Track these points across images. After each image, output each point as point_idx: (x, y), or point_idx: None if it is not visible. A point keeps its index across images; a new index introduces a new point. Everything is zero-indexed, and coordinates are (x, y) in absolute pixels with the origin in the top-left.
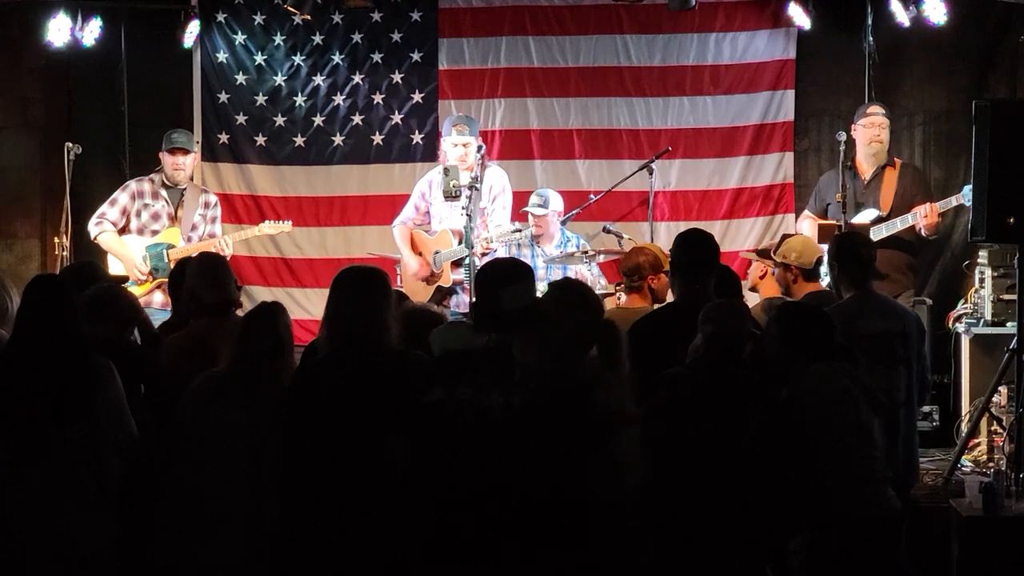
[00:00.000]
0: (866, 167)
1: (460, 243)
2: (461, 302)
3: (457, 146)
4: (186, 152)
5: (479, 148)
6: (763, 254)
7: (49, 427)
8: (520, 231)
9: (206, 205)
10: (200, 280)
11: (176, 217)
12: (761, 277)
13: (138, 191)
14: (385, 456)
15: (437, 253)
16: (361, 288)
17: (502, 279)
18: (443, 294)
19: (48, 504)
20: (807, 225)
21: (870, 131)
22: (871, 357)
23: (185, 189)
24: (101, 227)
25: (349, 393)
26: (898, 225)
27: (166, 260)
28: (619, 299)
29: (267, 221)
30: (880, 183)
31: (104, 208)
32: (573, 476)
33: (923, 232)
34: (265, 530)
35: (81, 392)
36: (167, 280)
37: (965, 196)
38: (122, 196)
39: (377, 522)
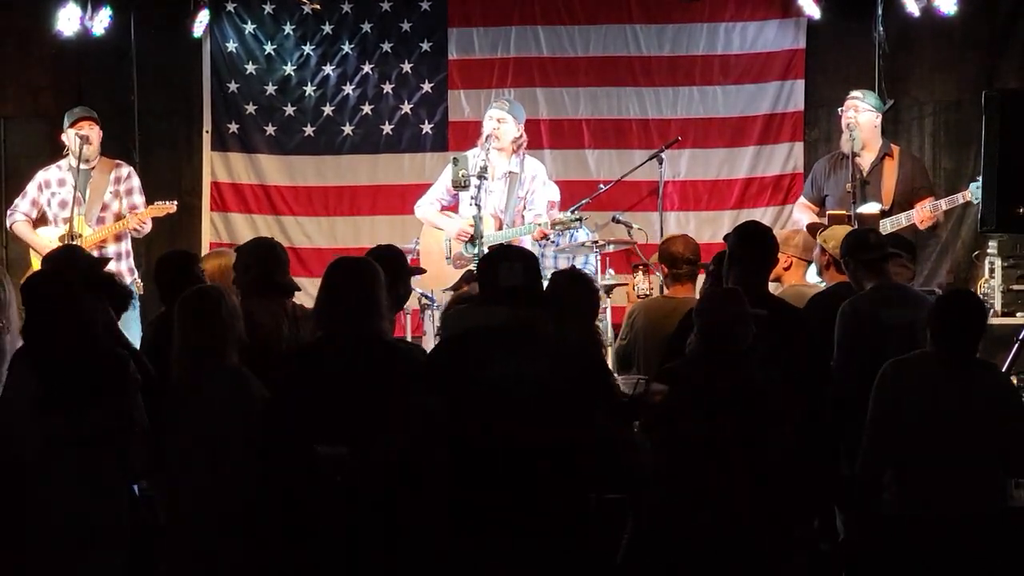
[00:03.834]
0: (846, 151)
1: (499, 228)
2: None
3: (491, 120)
4: (90, 121)
5: (519, 135)
6: (811, 228)
7: (74, 415)
8: (580, 220)
9: (117, 180)
10: (266, 263)
11: (84, 201)
12: (786, 268)
13: (45, 181)
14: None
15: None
16: (348, 277)
17: (501, 256)
18: (468, 279)
19: (75, 479)
20: (806, 217)
21: (846, 115)
22: (897, 347)
23: (94, 167)
24: (13, 217)
25: (340, 378)
26: (903, 221)
27: None
28: (636, 288)
29: (156, 203)
30: (880, 175)
31: (17, 199)
32: (588, 451)
33: (919, 226)
34: (264, 514)
35: (98, 384)
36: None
37: (973, 194)
38: (31, 187)
39: (375, 505)
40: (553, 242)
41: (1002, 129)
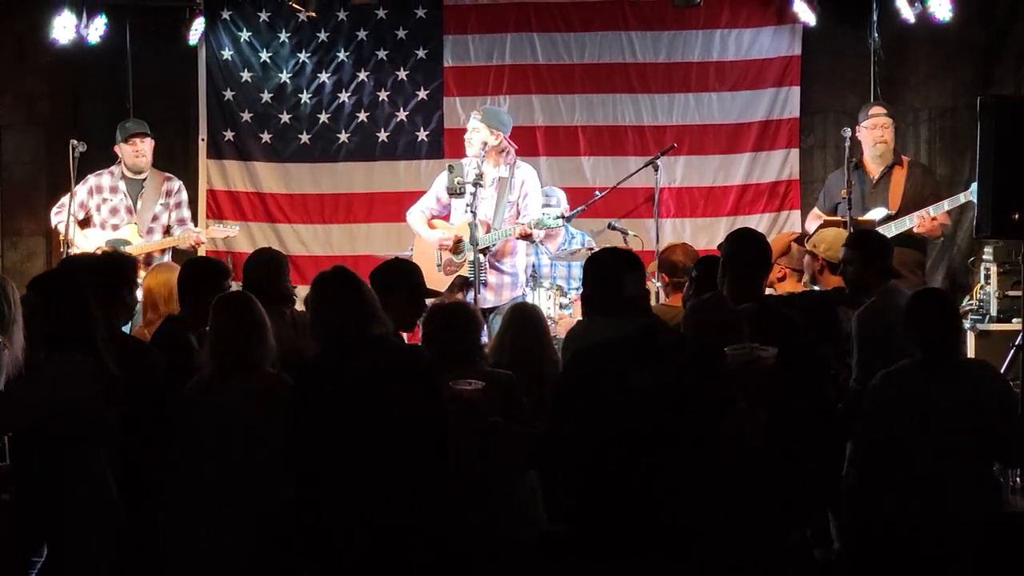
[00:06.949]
0: (873, 167)
1: (488, 233)
2: (485, 298)
3: (468, 129)
4: (144, 136)
5: (497, 143)
6: (799, 240)
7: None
8: (562, 217)
9: (168, 193)
10: (262, 272)
11: (135, 211)
12: (780, 279)
13: (96, 186)
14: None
15: (460, 241)
16: (326, 288)
17: (626, 264)
18: (459, 286)
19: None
20: (816, 223)
21: (874, 132)
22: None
23: (146, 179)
24: (61, 216)
25: (350, 385)
26: (907, 223)
27: None
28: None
29: (215, 225)
30: (888, 182)
31: (64, 199)
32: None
33: (916, 230)
34: (271, 517)
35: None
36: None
37: (973, 193)
38: (80, 190)
39: (397, 510)
40: (540, 243)
41: (998, 135)
